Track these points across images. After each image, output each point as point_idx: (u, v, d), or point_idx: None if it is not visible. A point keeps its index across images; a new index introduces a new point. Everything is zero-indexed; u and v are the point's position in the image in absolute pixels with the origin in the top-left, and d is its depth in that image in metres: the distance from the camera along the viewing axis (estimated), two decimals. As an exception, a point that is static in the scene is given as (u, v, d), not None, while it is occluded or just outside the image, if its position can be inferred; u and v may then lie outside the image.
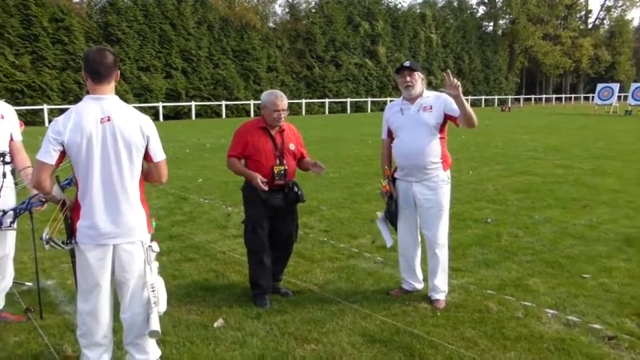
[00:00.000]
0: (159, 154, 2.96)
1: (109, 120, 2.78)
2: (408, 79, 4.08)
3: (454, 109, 3.94)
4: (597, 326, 3.73)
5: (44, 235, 2.87)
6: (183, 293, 4.45)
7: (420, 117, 4.08)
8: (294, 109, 37.72)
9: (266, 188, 4.04)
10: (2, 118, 3.72)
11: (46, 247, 2.90)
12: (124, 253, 2.89)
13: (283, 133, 4.26)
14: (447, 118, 4.06)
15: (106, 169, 2.80)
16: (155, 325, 2.92)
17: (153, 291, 2.94)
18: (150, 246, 2.96)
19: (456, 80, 3.70)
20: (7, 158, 3.43)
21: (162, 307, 3.00)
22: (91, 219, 2.83)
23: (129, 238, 2.89)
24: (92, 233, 2.84)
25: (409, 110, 4.13)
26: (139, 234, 2.93)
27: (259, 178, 4.02)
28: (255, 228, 4.21)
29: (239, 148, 4.20)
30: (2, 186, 3.47)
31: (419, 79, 4.11)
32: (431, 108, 4.07)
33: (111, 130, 2.78)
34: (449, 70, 3.91)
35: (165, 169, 3.04)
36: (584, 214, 7.07)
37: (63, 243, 2.96)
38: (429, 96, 4.14)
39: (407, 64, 4.11)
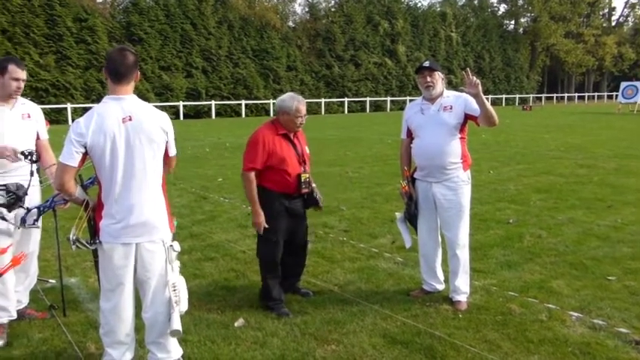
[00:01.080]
0: (173, 149, 3.04)
1: (130, 119, 2.80)
2: (429, 79, 4.03)
3: (474, 108, 3.91)
4: (623, 330, 3.65)
5: (71, 236, 2.90)
6: (204, 292, 4.47)
7: (441, 117, 4.04)
8: (313, 109, 37.72)
9: (261, 232, 3.99)
10: (29, 117, 3.78)
11: (73, 247, 2.93)
12: (146, 252, 2.91)
13: (299, 137, 4.16)
14: (467, 117, 4.03)
15: (130, 169, 2.83)
16: (177, 324, 2.92)
17: (174, 290, 2.95)
18: (171, 245, 2.98)
19: (475, 78, 3.66)
20: (35, 157, 3.48)
21: (184, 306, 3.00)
22: (115, 218, 2.85)
23: (151, 236, 2.90)
24: (116, 232, 2.86)
25: (429, 110, 4.10)
26: (161, 233, 2.94)
27: (262, 219, 3.94)
28: (278, 240, 4.06)
29: (261, 159, 3.92)
30: (29, 184, 3.53)
31: (439, 79, 4.07)
32: (451, 108, 4.04)
33: (133, 129, 2.81)
34: (468, 69, 3.87)
35: (175, 161, 3.14)
36: (608, 215, 6.94)
37: (88, 243, 2.99)
38: (449, 96, 4.11)
39: (427, 64, 4.07)
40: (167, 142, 2.95)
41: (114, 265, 2.90)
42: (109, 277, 2.94)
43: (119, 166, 2.81)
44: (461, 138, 4.10)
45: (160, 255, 2.94)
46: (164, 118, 2.95)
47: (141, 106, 2.89)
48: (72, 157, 2.77)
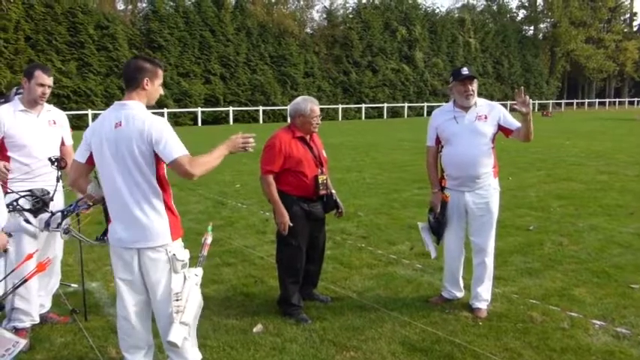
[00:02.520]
0: (169, 155, 2.73)
1: (120, 125, 2.81)
2: (470, 87, 3.99)
3: (510, 122, 3.94)
4: (648, 339, 3.59)
5: (63, 225, 2.97)
6: (223, 298, 4.49)
7: (476, 126, 4.02)
8: (330, 115, 37.74)
9: (285, 233, 3.97)
10: (55, 123, 3.86)
11: (65, 236, 3.00)
12: (148, 259, 2.86)
13: (315, 140, 4.20)
14: (499, 129, 4.02)
15: (119, 174, 2.82)
16: (174, 335, 2.76)
17: (177, 300, 2.82)
18: (174, 254, 2.85)
19: (527, 97, 3.67)
20: (63, 163, 3.56)
21: (187, 318, 2.81)
22: (113, 222, 2.91)
23: (148, 243, 2.83)
24: (117, 235, 2.90)
25: (464, 119, 4.05)
26: (161, 240, 2.84)
27: (287, 219, 3.93)
28: (299, 244, 4.06)
29: (278, 162, 3.96)
30: (55, 190, 3.59)
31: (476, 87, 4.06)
32: (485, 117, 4.02)
33: (121, 136, 2.79)
34: (522, 88, 3.88)
35: (184, 166, 2.70)
36: (630, 222, 6.84)
37: (96, 239, 3.05)
38: (482, 104, 4.08)
39: (467, 72, 3.99)
40: (157, 149, 2.75)
41: (118, 270, 2.94)
42: (117, 282, 2.97)
43: (111, 170, 2.83)
44: (492, 147, 4.09)
45: (162, 263, 2.86)
46: (152, 125, 2.76)
47: (135, 113, 2.81)
48: (81, 154, 2.95)
